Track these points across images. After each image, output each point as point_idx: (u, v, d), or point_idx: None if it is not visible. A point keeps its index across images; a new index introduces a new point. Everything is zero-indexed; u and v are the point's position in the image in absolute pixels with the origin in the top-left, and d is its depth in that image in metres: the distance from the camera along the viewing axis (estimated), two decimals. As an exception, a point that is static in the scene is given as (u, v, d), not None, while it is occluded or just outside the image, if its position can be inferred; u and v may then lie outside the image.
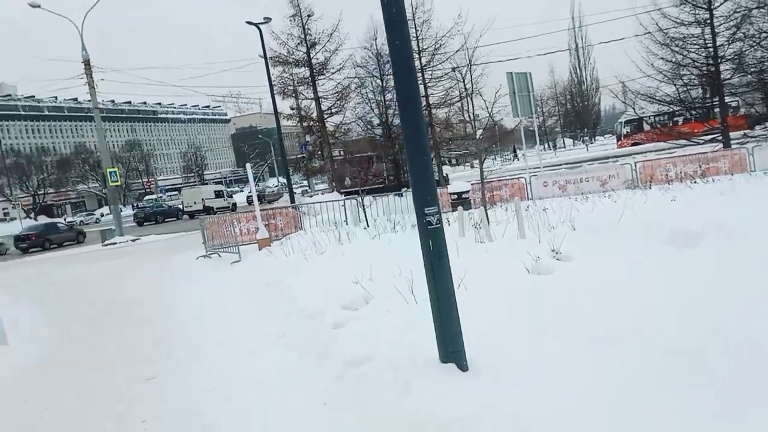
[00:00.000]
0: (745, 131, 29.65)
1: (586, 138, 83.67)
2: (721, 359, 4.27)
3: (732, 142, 25.16)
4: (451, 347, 4.59)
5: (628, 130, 48.61)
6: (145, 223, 47.03)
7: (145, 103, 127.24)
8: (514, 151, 71.32)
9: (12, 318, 9.36)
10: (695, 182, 16.16)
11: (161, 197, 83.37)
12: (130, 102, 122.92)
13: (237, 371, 6.30)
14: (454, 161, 57.67)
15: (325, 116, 35.69)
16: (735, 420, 3.53)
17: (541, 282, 6.84)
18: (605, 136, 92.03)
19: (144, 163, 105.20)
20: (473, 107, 11.79)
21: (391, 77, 32.72)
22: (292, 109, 36.66)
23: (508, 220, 11.84)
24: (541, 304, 6.17)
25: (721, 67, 25.53)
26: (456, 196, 19.11)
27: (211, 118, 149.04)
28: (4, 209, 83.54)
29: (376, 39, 32.20)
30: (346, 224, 17.45)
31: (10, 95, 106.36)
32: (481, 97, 11.58)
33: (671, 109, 31.90)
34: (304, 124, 36.52)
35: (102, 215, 67.46)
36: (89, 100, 32.45)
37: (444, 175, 31.87)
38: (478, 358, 4.71)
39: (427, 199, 4.46)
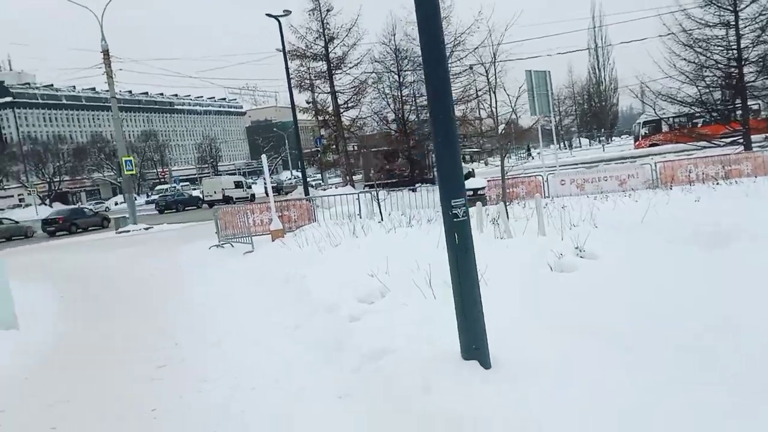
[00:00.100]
0: (767, 134, 29.20)
1: (603, 138, 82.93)
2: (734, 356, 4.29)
3: (753, 145, 24.74)
4: (474, 344, 4.40)
5: (646, 131, 48.02)
6: (165, 211, 47.99)
7: (162, 94, 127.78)
8: (528, 150, 70.86)
9: (21, 303, 9.27)
10: (718, 183, 15.83)
11: (175, 187, 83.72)
12: (147, 93, 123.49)
13: (248, 362, 6.17)
14: (468, 158, 57.34)
15: (341, 110, 35.48)
16: (747, 417, 3.49)
17: (564, 279, 6.63)
18: (622, 136, 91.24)
19: (159, 154, 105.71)
20: (496, 102, 11.51)
21: (408, 73, 32.62)
22: (308, 102, 36.51)
23: (526, 217, 11.61)
24: (564, 302, 5.99)
25: (745, 70, 25.08)
26: (471, 193, 18.84)
27: (226, 111, 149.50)
28: (20, 195, 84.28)
29: (394, 35, 31.92)
30: (360, 217, 17.28)
31: (29, 84, 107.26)
32: (505, 91, 11.29)
33: (692, 111, 31.37)
34: (320, 117, 36.34)
35: (116, 203, 67.85)
36: (107, 90, 32.59)
37: (470, 170, 31.61)
38: (501, 356, 4.52)
39: (454, 191, 4.30)
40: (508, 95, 11.46)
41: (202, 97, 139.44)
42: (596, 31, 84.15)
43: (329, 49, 34.22)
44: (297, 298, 8.36)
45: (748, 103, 26.32)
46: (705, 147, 26.67)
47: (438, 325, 5.42)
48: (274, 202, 16.77)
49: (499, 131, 12.31)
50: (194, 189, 73.00)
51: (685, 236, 8.12)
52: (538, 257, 7.52)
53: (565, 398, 3.97)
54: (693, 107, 28.40)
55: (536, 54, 33.01)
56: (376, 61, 33.47)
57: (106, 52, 30.37)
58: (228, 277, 11.90)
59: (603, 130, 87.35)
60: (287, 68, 28.31)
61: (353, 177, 35.03)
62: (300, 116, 33.24)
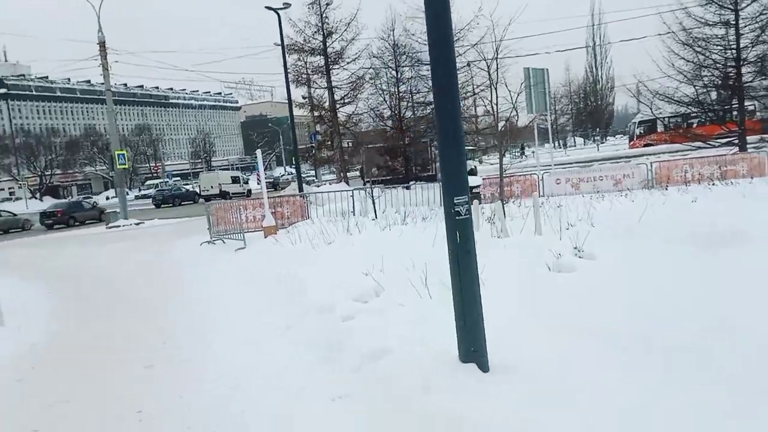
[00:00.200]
0: (762, 135, 29.16)
1: (598, 137, 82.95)
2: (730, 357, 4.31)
3: (747, 146, 24.69)
4: (472, 346, 4.27)
5: (642, 131, 48.04)
6: (162, 206, 48.28)
7: (157, 87, 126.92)
8: (522, 149, 70.86)
9: (7, 298, 9.08)
10: (714, 184, 15.76)
11: (166, 182, 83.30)
12: (142, 86, 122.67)
13: (240, 363, 6.01)
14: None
15: (338, 106, 35.27)
16: (747, 417, 3.48)
17: (563, 280, 6.51)
18: (616, 136, 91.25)
19: (152, 148, 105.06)
20: (497, 98, 11.36)
21: (406, 69, 32.45)
22: (304, 98, 36.28)
23: (522, 215, 11.49)
24: (562, 302, 5.88)
25: (743, 70, 25.02)
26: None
27: (221, 105, 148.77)
28: (10, 189, 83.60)
29: (393, 30, 31.71)
30: (354, 215, 17.13)
31: (23, 75, 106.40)
32: (507, 87, 11.16)
33: (689, 111, 31.32)
34: (316, 113, 36.12)
35: (107, 198, 67.34)
36: (102, 83, 32.29)
37: (473, 167, 31.46)
38: (499, 356, 4.39)
39: (457, 188, 4.17)
40: (509, 91, 11.32)
41: (197, 91, 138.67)
42: (595, 29, 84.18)
43: (327, 44, 33.98)
44: (289, 297, 8.20)
45: (744, 104, 26.30)
46: (700, 147, 26.62)
47: (435, 325, 5.28)
48: (267, 198, 16.60)
49: (499, 128, 12.16)
50: (186, 184, 72.50)
51: (683, 237, 8.01)
52: (536, 257, 7.39)
53: (565, 401, 3.88)
54: (690, 107, 28.33)
55: (534, 51, 32.80)
56: (374, 57, 33.29)
57: (102, 44, 30.08)
58: (219, 275, 11.71)
59: (598, 129, 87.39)
60: (285, 62, 28.08)
61: (347, 174, 34.83)
62: (296, 111, 32.99)
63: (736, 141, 25.04)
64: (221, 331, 7.40)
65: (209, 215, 17.10)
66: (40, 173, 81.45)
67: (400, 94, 32.52)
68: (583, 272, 6.63)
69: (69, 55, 66.73)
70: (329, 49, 34.15)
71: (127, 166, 32.06)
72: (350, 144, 39.16)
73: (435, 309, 5.84)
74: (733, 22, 24.40)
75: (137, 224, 28.47)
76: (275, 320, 7.31)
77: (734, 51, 24.77)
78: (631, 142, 49.85)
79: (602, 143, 75.61)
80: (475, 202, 11.54)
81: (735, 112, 26.52)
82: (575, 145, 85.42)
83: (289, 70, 31.09)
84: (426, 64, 31.54)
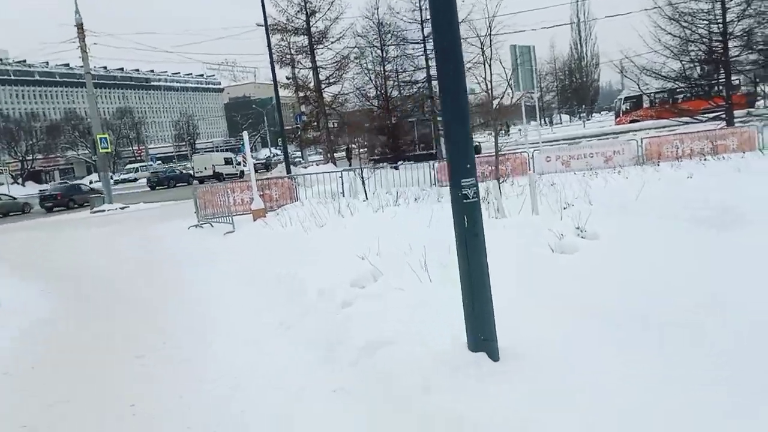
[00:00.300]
0: (749, 109, 29.23)
1: (583, 114, 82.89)
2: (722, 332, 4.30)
3: (735, 120, 24.70)
4: (482, 335, 4.07)
5: (628, 107, 47.97)
6: (157, 188, 49.06)
7: (137, 70, 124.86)
8: (507, 127, 70.65)
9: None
10: (706, 159, 15.69)
11: (152, 165, 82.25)
12: (122, 68, 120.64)
13: (234, 359, 5.80)
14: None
15: (323, 86, 34.82)
16: (747, 417, 3.39)
17: (567, 261, 6.33)
18: (602, 112, 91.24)
19: (135, 131, 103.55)
20: (491, 75, 11.16)
21: (392, 48, 32.05)
22: (288, 78, 35.77)
23: (516, 195, 11.33)
24: (566, 283, 5.71)
25: (729, 44, 24.91)
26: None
27: (204, 87, 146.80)
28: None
29: (377, 8, 31.28)
30: (343, 196, 16.91)
31: (0, 60, 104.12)
32: (501, 64, 10.93)
33: (675, 86, 31.27)
34: (301, 93, 35.66)
35: (90, 182, 66.30)
36: (81, 66, 31.54)
37: (477, 144, 31.20)
38: (509, 346, 4.21)
39: (464, 169, 3.92)
40: (504, 68, 11.08)
41: (179, 73, 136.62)
42: (579, 5, 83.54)
43: (311, 23, 33.46)
44: (282, 282, 7.98)
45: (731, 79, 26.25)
46: (687, 123, 26.59)
47: (437, 311, 5.11)
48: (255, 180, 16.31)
49: (494, 106, 11.95)
50: (170, 166, 71.60)
51: (683, 214, 7.86)
52: (535, 237, 7.22)
53: (573, 384, 3.80)
54: (677, 82, 28.25)
55: (521, 28, 32.50)
56: (358, 36, 32.91)
57: (80, 26, 29.37)
58: (208, 259, 11.44)
59: (584, 106, 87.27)
60: (269, 42, 27.53)
61: (335, 154, 34.52)
62: (280, 92, 32.54)
63: (724, 115, 25.04)
64: (221, 331, 7.17)
65: (196, 198, 16.79)
66: (21, 158, 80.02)
67: (386, 74, 32.17)
68: (586, 253, 6.45)
69: (47, 38, 65.00)
70: (313, 29, 33.66)
71: (109, 150, 31.54)
72: (336, 124, 38.81)
73: (436, 293, 5.65)
74: (720, -4, 24.25)
75: (122, 209, 28.02)
76: (271, 309, 7.05)
77: (720, 25, 24.65)
78: (618, 119, 49.77)
79: (588, 120, 75.55)
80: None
81: (721, 87, 26.50)
82: (561, 123, 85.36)
83: (272, 51, 30.57)
84: (412, 43, 31.22)
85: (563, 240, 6.71)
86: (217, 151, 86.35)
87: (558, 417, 3.47)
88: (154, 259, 12.54)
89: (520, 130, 40.75)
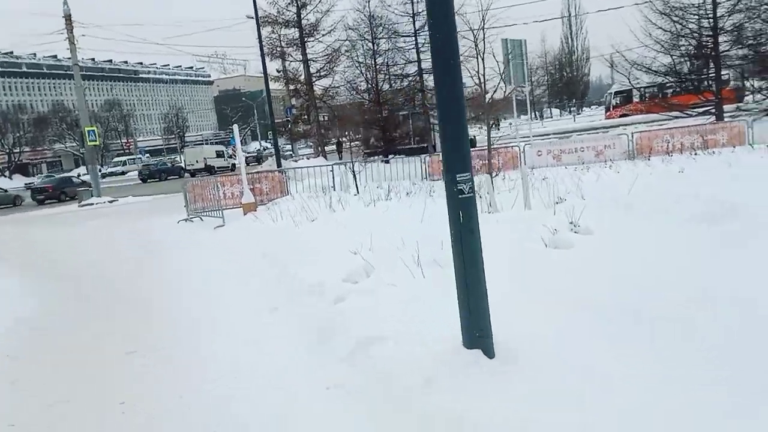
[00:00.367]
0: (739, 104, 29.32)
1: (574, 108, 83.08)
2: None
3: (724, 115, 24.79)
4: (477, 331, 4.01)
5: (618, 102, 48.11)
6: (149, 180, 49.32)
7: (126, 62, 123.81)
8: (497, 121, 70.61)
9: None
10: (696, 154, 15.72)
11: (141, 158, 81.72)
12: (110, 61, 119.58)
13: (223, 353, 5.72)
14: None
15: (314, 79, 34.64)
16: (747, 417, 3.37)
17: (562, 256, 6.28)
18: (591, 107, 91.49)
19: (123, 124, 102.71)
20: (485, 68, 11.09)
21: (383, 41, 31.90)
22: (278, 71, 35.55)
23: (509, 189, 11.29)
24: (559, 278, 5.68)
25: (720, 39, 24.99)
26: (448, 163, 18.49)
27: (193, 80, 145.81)
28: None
29: (369, 1, 31.09)
30: (334, 190, 16.82)
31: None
32: (494, 57, 10.85)
33: (665, 81, 31.39)
34: (291, 86, 35.47)
35: (78, 175, 65.74)
36: (69, 58, 31.17)
37: (473, 136, 31.11)
38: (503, 341, 4.16)
39: (459, 164, 3.85)
40: (497, 61, 11.02)
41: (168, 65, 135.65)
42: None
43: (302, 16, 33.25)
44: (273, 276, 7.91)
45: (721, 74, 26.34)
46: (677, 117, 26.67)
47: (431, 308, 5.06)
48: (246, 174, 16.18)
49: (487, 99, 11.88)
50: (158, 160, 71.10)
51: (675, 209, 7.84)
52: (528, 232, 7.18)
53: (570, 383, 3.77)
54: (667, 77, 28.35)
55: (512, 22, 32.38)
56: (349, 29, 32.71)
57: (68, 17, 29.00)
58: (199, 254, 11.32)
59: (574, 100, 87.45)
60: (260, 35, 27.32)
61: (325, 148, 34.39)
62: (271, 85, 32.37)
63: (713, 110, 25.13)
64: (206, 315, 7.09)
65: (186, 192, 16.64)
66: (8, 151, 79.15)
67: (377, 67, 32.02)
68: (580, 248, 6.42)
69: (34, 29, 64.30)
70: (304, 21, 33.48)
71: (98, 143, 31.31)
72: (326, 118, 38.66)
73: (430, 290, 5.60)
74: (711, -9, 24.31)
75: (111, 202, 27.78)
76: (260, 302, 6.99)
77: (711, 20, 24.71)
78: (608, 113, 49.89)
79: (578, 114, 75.74)
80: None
81: (710, 82, 26.59)
82: (551, 117, 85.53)
83: (263, 43, 30.38)
84: (403, 36, 31.08)
85: (557, 235, 6.67)
86: (208, 144, 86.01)
87: (556, 417, 3.44)
88: (142, 255, 12.37)
89: (510, 124, 40.73)
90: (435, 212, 9.49)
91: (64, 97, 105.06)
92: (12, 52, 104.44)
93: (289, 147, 57.00)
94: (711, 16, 24.65)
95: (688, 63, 27.51)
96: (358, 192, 15.09)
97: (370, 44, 31.87)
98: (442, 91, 3.85)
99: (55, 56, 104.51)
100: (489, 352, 4.02)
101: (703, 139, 18.40)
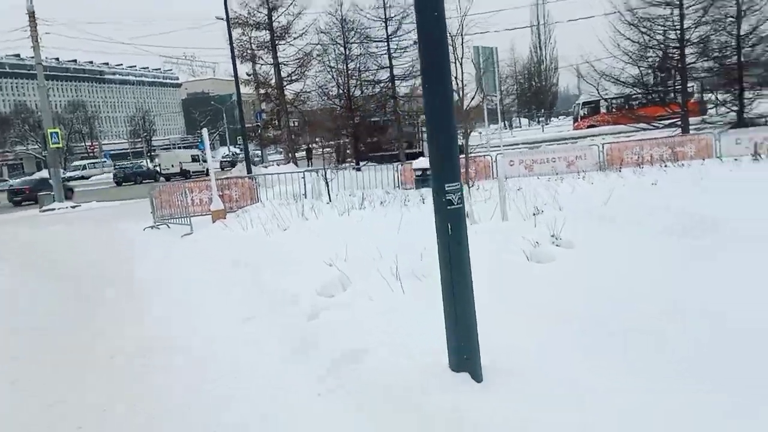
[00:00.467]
0: (704, 117, 29.91)
1: (542, 118, 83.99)
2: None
3: (690, 127, 25.21)
4: (465, 354, 3.80)
5: (585, 112, 48.77)
6: (123, 183, 48.57)
7: (91, 62, 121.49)
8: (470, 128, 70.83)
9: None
10: (666, 166, 15.88)
11: (105, 161, 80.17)
12: (75, 60, 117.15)
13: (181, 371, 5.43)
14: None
15: (285, 83, 34.27)
16: (747, 417, 3.41)
17: (544, 270, 6.15)
18: (559, 117, 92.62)
19: (88, 126, 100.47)
20: (463, 74, 11.02)
21: (355, 45, 31.69)
22: (248, 75, 35.11)
23: (484, 199, 11.20)
24: (541, 293, 5.55)
25: (686, 51, 25.42)
26: (420, 173, 18.41)
27: (161, 82, 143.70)
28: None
29: (341, 4, 30.87)
30: (305, 198, 16.56)
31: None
32: (473, 63, 10.76)
33: (633, 92, 31.89)
34: (262, 90, 35.04)
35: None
36: (32, 57, 30.25)
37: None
38: (493, 367, 3.99)
39: (448, 173, 3.66)
40: (474, 66, 10.93)
41: (135, 66, 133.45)
42: (539, 8, 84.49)
43: (273, 18, 32.90)
44: (242, 288, 7.61)
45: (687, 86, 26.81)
46: (644, 129, 27.08)
47: (412, 324, 4.88)
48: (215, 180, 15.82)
49: (465, 107, 11.78)
50: (133, 163, 69.89)
51: (653, 221, 7.83)
52: (507, 244, 7.05)
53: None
54: (635, 88, 28.78)
55: (484, 29, 32.46)
56: (321, 32, 32.40)
57: (32, 15, 28.15)
58: (164, 263, 10.91)
59: (543, 110, 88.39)
60: (231, 37, 26.88)
61: (296, 154, 34.04)
62: (241, 89, 31.96)
63: (679, 122, 25.53)
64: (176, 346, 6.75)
65: (152, 198, 16.18)
66: (-33, 153, 76.81)
67: (349, 72, 31.79)
68: (562, 262, 6.30)
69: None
70: (275, 24, 33.15)
71: (60, 146, 30.41)
72: (297, 123, 38.31)
73: (410, 305, 5.41)
74: (678, 2, 24.72)
75: (73, 207, 26.98)
76: (231, 315, 6.66)
77: (678, 32, 25.13)
78: (576, 123, 50.54)
79: (546, 124, 76.59)
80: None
81: (676, 94, 27.06)
82: (520, 126, 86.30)
83: (233, 45, 29.95)
84: (375, 41, 30.92)
85: (538, 248, 6.55)
86: (177, 148, 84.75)
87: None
88: (105, 262, 11.90)
89: (480, 133, 40.84)
90: (411, 221, 9.35)
91: (27, 97, 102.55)
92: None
93: (258, 152, 56.51)
94: (678, 27, 25.07)
95: (654, 75, 28.01)
96: (330, 200, 14.86)
97: (342, 49, 31.63)
98: (432, 100, 3.65)
99: (18, 55, 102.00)
100: (477, 376, 3.82)
101: (673, 151, 18.62)
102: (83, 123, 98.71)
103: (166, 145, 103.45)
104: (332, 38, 31.69)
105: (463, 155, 13.30)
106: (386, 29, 29.96)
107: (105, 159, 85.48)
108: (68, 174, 70.02)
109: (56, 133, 28.77)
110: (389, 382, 4.06)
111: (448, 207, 3.67)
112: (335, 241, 8.01)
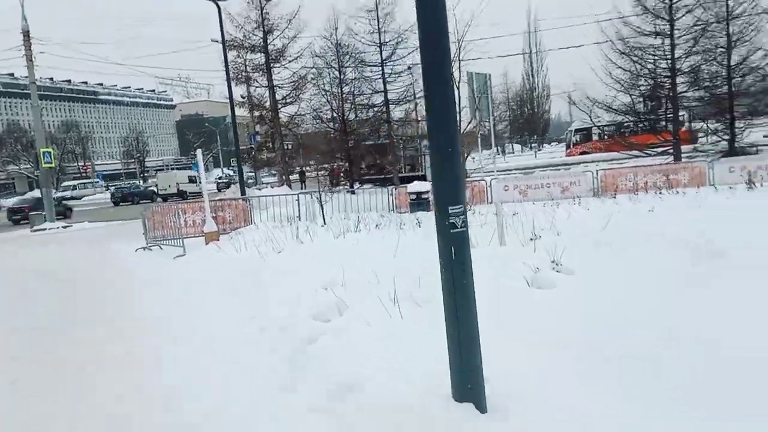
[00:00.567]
0: (695, 145, 30.19)
1: (535, 144, 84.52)
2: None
3: (681, 155, 25.41)
4: (469, 383, 3.69)
5: (578, 139, 49.14)
6: (121, 203, 49.01)
7: (86, 82, 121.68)
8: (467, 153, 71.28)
9: None
10: (662, 193, 15.93)
11: (98, 182, 79.85)
12: (69, 80, 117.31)
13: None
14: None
15: (279, 106, 34.35)
16: None
17: (544, 296, 6.09)
18: (552, 143, 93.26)
19: (81, 146, 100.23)
20: (459, 97, 11.02)
21: (349, 69, 31.85)
22: (243, 97, 35.17)
23: (480, 224, 11.14)
24: (542, 319, 5.47)
25: (677, 80, 25.73)
26: (414, 197, 18.37)
27: (155, 103, 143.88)
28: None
29: (336, 29, 31.09)
30: (299, 220, 16.47)
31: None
32: (469, 87, 10.78)
33: (625, 120, 32.20)
34: (256, 113, 35.10)
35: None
36: (26, 76, 30.22)
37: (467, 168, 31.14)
38: (497, 396, 3.88)
39: (452, 194, 3.60)
40: (472, 89, 10.95)
41: (129, 87, 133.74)
42: (531, 36, 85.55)
43: (268, 41, 33.09)
44: (239, 313, 7.46)
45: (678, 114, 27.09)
46: (637, 156, 27.27)
47: (413, 352, 4.75)
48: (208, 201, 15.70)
49: (462, 131, 11.78)
50: (130, 183, 69.93)
51: (653, 247, 7.82)
52: (506, 269, 6.99)
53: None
54: (627, 116, 29.05)
55: (477, 56, 32.81)
56: (316, 56, 32.57)
57: (26, 33, 28.14)
58: (156, 286, 10.71)
59: (535, 136, 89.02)
60: (226, 59, 26.97)
61: (290, 176, 33.99)
62: (235, 111, 32.01)
63: (671, 150, 25.73)
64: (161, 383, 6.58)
65: (145, 219, 16.03)
66: (-41, 172, 76.30)
67: (343, 95, 31.93)
68: (564, 289, 6.22)
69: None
70: (270, 47, 33.31)
71: (53, 165, 30.30)
72: (291, 146, 38.34)
73: (409, 330, 5.31)
74: (669, 33, 25.09)
75: (65, 227, 26.73)
76: (223, 344, 6.51)
77: (669, 61, 25.46)
78: (568, 150, 50.84)
79: (539, 150, 77.07)
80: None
81: (668, 122, 27.34)
82: (513, 152, 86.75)
83: (228, 68, 30.05)
84: (370, 66, 31.13)
85: (539, 274, 6.48)
86: (171, 169, 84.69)
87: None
88: (95, 283, 11.71)
89: (473, 158, 41.04)
90: (407, 245, 9.27)
91: (20, 117, 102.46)
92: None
93: (252, 174, 56.47)
94: (669, 57, 25.40)
95: (645, 103, 28.32)
96: (325, 223, 14.77)
97: (336, 72, 31.78)
98: (435, 120, 3.60)
99: (12, 74, 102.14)
100: (481, 407, 3.69)
101: (667, 178, 18.70)
102: (76, 143, 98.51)
103: (160, 166, 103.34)
104: (327, 62, 31.88)
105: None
106: (381, 54, 30.16)
107: (97, 179, 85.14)
108: (58, 194, 69.73)
109: (49, 152, 28.65)
110: (392, 410, 3.94)
111: (452, 230, 3.59)
112: (331, 264, 7.91)
